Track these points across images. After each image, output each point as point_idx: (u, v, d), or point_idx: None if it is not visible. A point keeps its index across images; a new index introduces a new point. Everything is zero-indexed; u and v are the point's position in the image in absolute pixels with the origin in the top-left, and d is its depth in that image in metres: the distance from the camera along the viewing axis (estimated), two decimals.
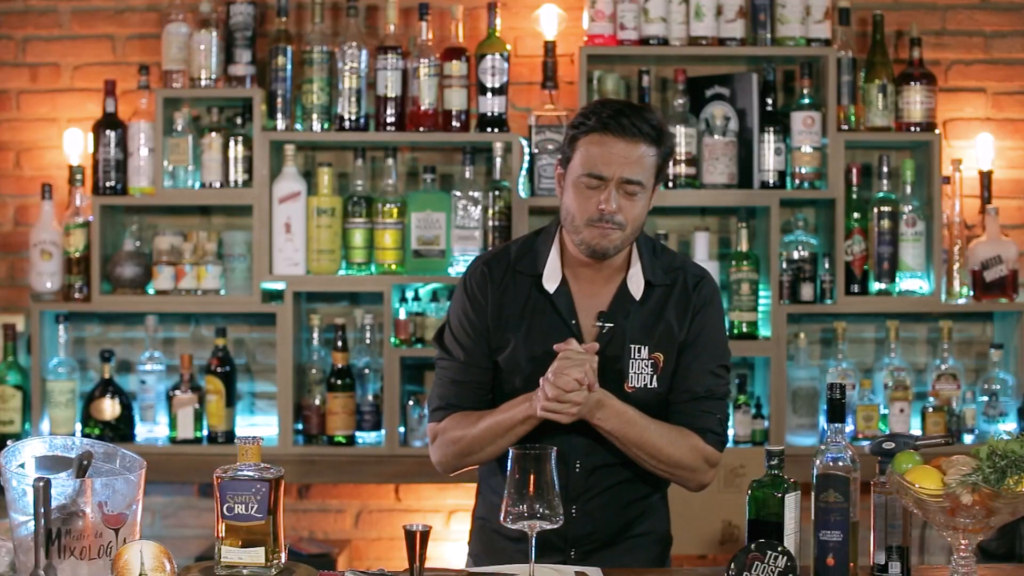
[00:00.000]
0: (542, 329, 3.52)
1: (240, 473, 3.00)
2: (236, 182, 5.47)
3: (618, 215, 3.39)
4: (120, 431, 5.48)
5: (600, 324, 3.51)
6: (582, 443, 3.47)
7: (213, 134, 5.47)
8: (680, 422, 3.52)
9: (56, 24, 5.72)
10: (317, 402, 5.47)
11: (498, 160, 5.40)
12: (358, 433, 5.47)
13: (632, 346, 3.51)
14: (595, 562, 3.45)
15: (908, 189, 5.50)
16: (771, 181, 5.45)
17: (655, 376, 3.51)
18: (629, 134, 3.39)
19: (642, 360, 3.51)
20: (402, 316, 5.43)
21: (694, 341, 3.54)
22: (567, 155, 3.48)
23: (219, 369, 5.49)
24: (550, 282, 3.54)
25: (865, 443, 5.16)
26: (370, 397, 5.46)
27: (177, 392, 5.45)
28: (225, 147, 5.46)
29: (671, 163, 3.51)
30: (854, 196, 5.49)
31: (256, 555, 2.97)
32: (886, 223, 5.46)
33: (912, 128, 5.48)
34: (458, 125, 5.42)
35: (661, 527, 3.71)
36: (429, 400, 3.67)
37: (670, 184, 5.43)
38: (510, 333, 3.54)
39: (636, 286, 3.54)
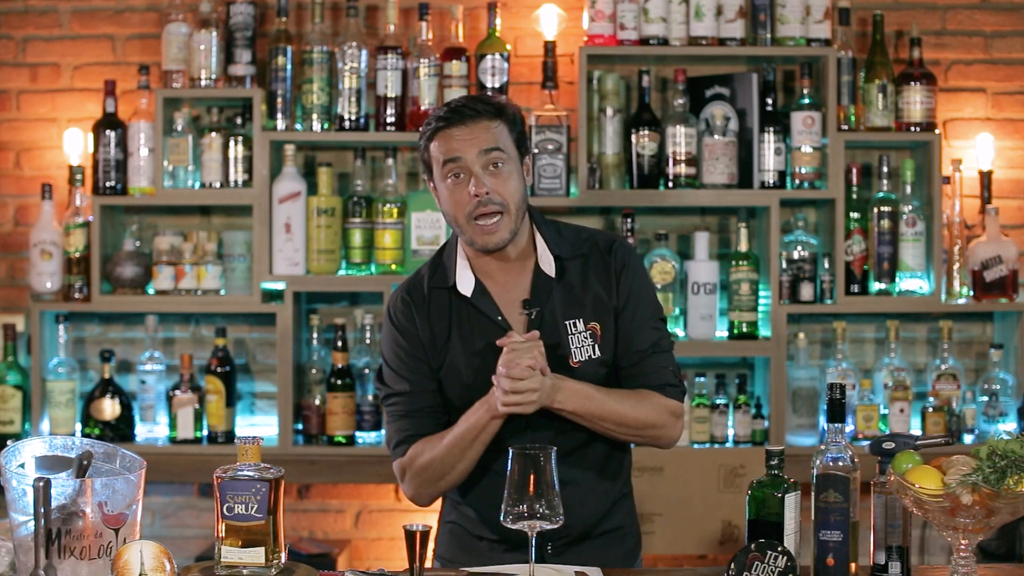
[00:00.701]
0: (473, 334, 3.53)
1: (240, 473, 3.01)
2: (236, 182, 5.47)
3: (495, 195, 3.43)
4: (120, 431, 5.48)
5: (527, 312, 3.53)
6: (545, 436, 3.47)
7: (213, 134, 5.47)
8: (636, 384, 3.54)
9: (56, 24, 5.72)
10: (317, 402, 5.47)
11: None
12: (358, 433, 5.47)
13: (567, 322, 3.53)
14: (570, 557, 3.48)
15: (908, 189, 5.50)
16: (771, 181, 5.45)
17: (596, 345, 3.53)
18: (468, 118, 3.45)
19: (580, 333, 3.53)
20: None
21: (626, 302, 3.56)
22: (427, 164, 3.53)
23: (219, 369, 5.49)
24: (465, 288, 3.55)
25: (865, 443, 5.16)
26: (370, 397, 5.46)
27: (177, 392, 5.45)
28: (225, 147, 5.46)
29: (529, 141, 3.57)
30: (854, 196, 5.49)
31: (256, 555, 2.97)
32: (886, 223, 5.46)
33: (912, 128, 5.48)
34: None
35: (631, 523, 3.72)
36: (387, 440, 3.67)
37: (670, 184, 5.44)
38: (445, 346, 3.56)
39: (548, 265, 3.56)
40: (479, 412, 3.43)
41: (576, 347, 3.52)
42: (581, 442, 3.53)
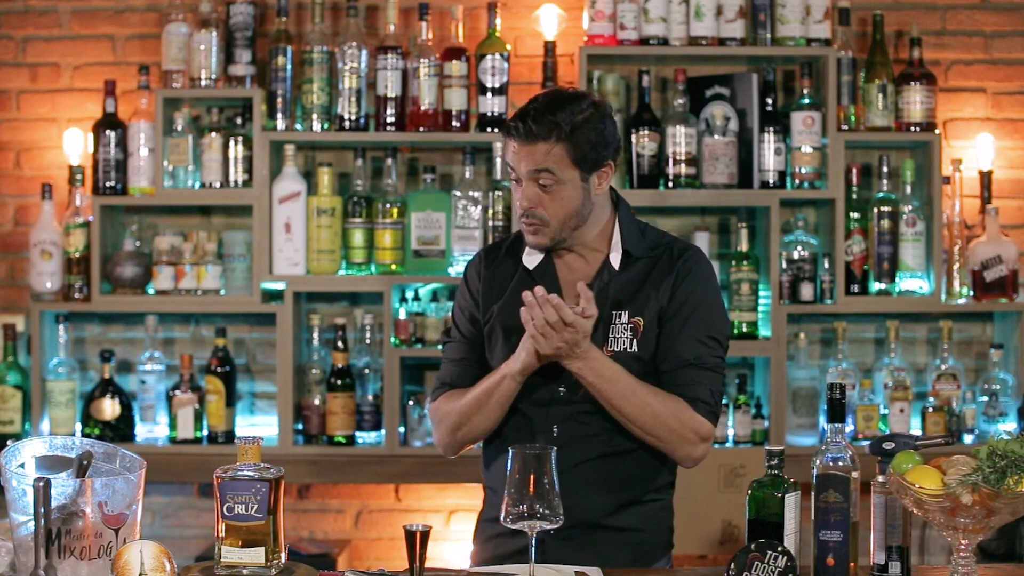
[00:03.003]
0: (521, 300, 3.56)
1: (240, 473, 3.01)
2: (236, 182, 5.47)
3: (537, 210, 3.53)
4: (120, 431, 5.48)
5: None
6: (562, 411, 3.53)
7: (213, 134, 5.47)
8: (670, 392, 3.53)
9: (56, 24, 5.72)
10: (317, 402, 5.47)
11: (498, 160, 5.40)
12: (358, 433, 5.47)
13: (613, 312, 3.56)
14: (571, 549, 3.45)
15: (908, 189, 5.50)
16: (771, 181, 5.45)
17: (635, 340, 3.55)
18: (527, 138, 3.51)
19: (622, 324, 3.56)
20: (402, 316, 5.43)
21: (680, 308, 3.56)
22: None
23: (219, 369, 5.49)
24: (530, 262, 3.66)
25: (865, 443, 5.16)
26: (370, 397, 5.46)
27: (177, 392, 5.45)
28: (225, 147, 5.46)
29: (606, 152, 3.60)
30: (854, 196, 5.49)
31: (256, 555, 2.97)
32: (886, 223, 5.46)
33: (912, 128, 5.48)
34: (458, 125, 5.42)
35: (653, 530, 3.65)
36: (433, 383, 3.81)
37: (670, 184, 5.44)
38: (496, 304, 3.66)
39: (616, 258, 3.62)
40: (499, 370, 3.54)
41: (614, 337, 3.55)
42: (603, 429, 3.54)
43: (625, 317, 3.56)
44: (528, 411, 3.58)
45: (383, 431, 5.43)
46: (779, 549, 2.90)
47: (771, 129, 5.44)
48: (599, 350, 3.48)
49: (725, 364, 3.63)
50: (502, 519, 2.98)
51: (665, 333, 3.56)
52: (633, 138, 5.44)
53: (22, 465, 2.96)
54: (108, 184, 5.47)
